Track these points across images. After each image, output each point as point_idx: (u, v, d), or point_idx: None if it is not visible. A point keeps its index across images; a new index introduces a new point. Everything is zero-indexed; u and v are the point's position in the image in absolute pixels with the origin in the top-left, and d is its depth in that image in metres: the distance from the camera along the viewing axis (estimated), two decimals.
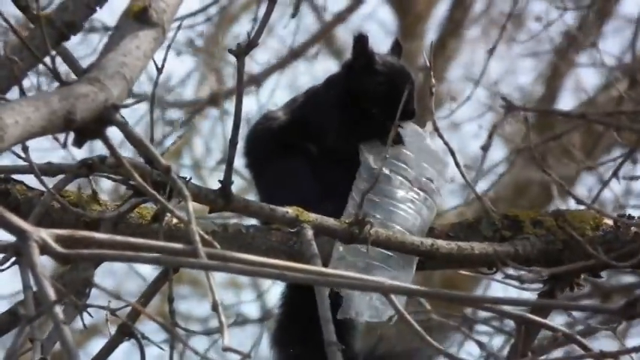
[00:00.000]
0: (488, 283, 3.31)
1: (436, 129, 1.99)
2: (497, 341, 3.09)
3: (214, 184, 1.79)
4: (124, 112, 1.31)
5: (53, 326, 1.11)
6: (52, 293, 1.09)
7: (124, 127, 1.28)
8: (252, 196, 1.96)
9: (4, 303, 3.25)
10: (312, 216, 1.83)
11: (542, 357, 1.90)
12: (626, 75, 3.49)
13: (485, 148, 2.20)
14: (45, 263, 1.17)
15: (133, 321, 1.71)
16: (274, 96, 3.85)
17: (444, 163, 1.96)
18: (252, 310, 4.14)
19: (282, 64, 4.08)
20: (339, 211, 1.92)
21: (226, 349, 1.17)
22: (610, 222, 1.92)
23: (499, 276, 1.85)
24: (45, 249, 1.12)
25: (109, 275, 4.51)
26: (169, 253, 1.19)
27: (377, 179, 1.84)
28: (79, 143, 1.27)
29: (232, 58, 1.74)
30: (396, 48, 2.04)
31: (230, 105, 3.90)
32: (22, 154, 1.62)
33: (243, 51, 1.71)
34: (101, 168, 1.71)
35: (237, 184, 2.20)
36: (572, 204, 3.84)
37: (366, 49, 1.98)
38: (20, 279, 1.19)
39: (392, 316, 1.84)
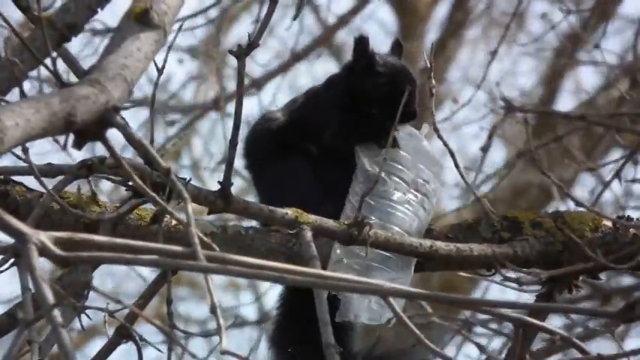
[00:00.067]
0: (487, 285, 3.31)
1: (436, 130, 1.99)
2: (495, 344, 3.09)
3: (213, 185, 1.79)
4: (124, 113, 1.31)
5: (51, 329, 1.11)
6: (50, 296, 1.09)
7: (124, 128, 1.28)
8: (250, 197, 1.96)
9: (2, 305, 3.25)
10: (312, 217, 1.83)
11: None
12: (627, 75, 3.49)
13: (485, 149, 2.20)
14: (43, 264, 1.17)
15: (131, 323, 1.71)
16: (275, 98, 3.85)
17: (440, 164, 1.96)
18: (250, 312, 4.15)
19: (284, 67, 4.08)
20: (338, 211, 1.92)
21: (224, 352, 1.17)
22: (609, 223, 1.92)
23: (498, 278, 1.85)
24: (44, 252, 1.12)
25: (108, 276, 4.51)
26: (168, 255, 1.19)
27: (376, 182, 1.85)
28: (78, 145, 1.27)
29: (233, 59, 1.74)
30: (397, 48, 2.04)
31: (230, 107, 3.90)
32: (22, 156, 1.62)
33: (243, 52, 1.71)
34: (101, 169, 1.71)
35: (236, 185, 2.20)
36: (571, 205, 3.84)
37: (366, 50, 1.98)
38: (19, 281, 1.19)
39: (390, 318, 1.84)
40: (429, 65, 2.01)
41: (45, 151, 1.90)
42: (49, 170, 1.73)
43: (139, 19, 1.40)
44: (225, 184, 1.78)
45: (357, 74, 1.98)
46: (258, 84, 3.91)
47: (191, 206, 1.26)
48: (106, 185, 3.52)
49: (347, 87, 1.99)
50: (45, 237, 1.13)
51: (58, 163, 1.75)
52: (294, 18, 2.00)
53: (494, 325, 2.86)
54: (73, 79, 1.49)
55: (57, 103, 1.22)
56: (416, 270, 1.92)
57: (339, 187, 1.94)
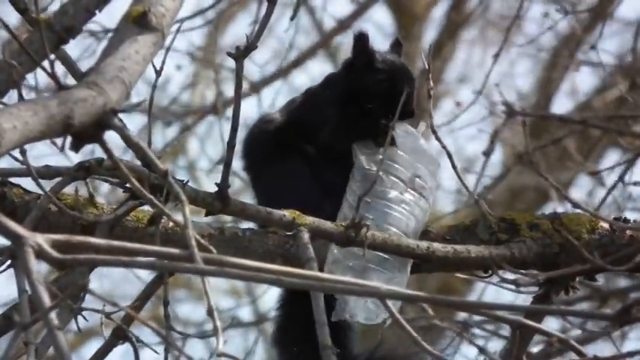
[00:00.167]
0: (484, 287, 3.32)
1: (434, 132, 1.99)
2: (494, 345, 3.10)
3: (208, 186, 1.79)
4: (122, 115, 1.31)
5: (47, 331, 1.11)
6: (46, 299, 1.09)
7: (122, 131, 1.28)
8: (246, 198, 1.95)
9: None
10: (309, 219, 1.83)
11: None
12: (626, 77, 3.49)
13: (488, 153, 2.20)
14: (40, 266, 1.17)
15: (127, 324, 1.71)
16: (274, 101, 3.85)
17: (437, 163, 1.96)
18: (246, 314, 4.14)
19: (283, 72, 4.08)
20: (337, 212, 1.92)
21: (221, 355, 1.18)
22: (606, 225, 1.93)
23: (495, 279, 1.85)
24: (41, 254, 1.12)
25: (104, 278, 4.51)
26: (166, 257, 1.19)
27: (374, 182, 1.85)
28: (76, 147, 1.27)
29: (231, 61, 1.74)
30: (397, 47, 2.04)
31: (228, 110, 3.89)
32: (20, 158, 1.62)
33: (242, 54, 1.71)
34: (98, 171, 1.70)
35: (233, 186, 2.19)
36: (567, 207, 3.84)
37: (366, 47, 1.98)
38: (14, 283, 1.19)
39: (386, 318, 1.84)
40: (427, 67, 2.02)
41: (43, 154, 1.90)
42: (47, 172, 1.73)
43: (137, 22, 1.40)
44: (223, 185, 1.78)
45: (356, 71, 1.98)
46: (257, 88, 3.90)
47: (188, 208, 1.26)
48: (104, 187, 3.52)
49: (346, 84, 1.99)
50: (42, 239, 1.13)
51: (56, 165, 1.75)
52: (292, 19, 2.00)
53: (492, 327, 2.86)
54: (71, 81, 1.49)
55: (55, 105, 1.22)
56: (413, 271, 1.92)
57: (337, 187, 1.94)
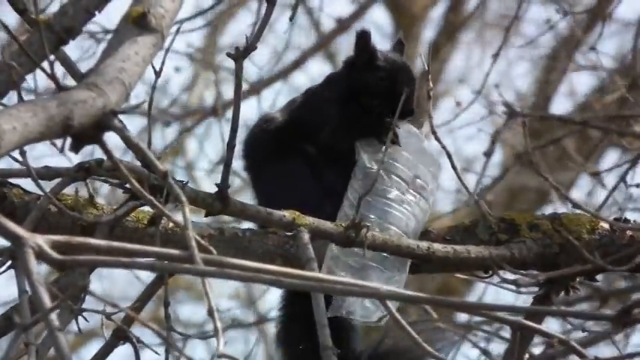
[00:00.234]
0: (485, 287, 3.31)
1: (433, 132, 1.99)
2: (494, 346, 3.10)
3: (207, 186, 1.79)
4: (122, 116, 1.31)
5: (48, 332, 1.11)
6: (47, 300, 1.09)
7: (121, 132, 1.28)
8: (243, 198, 1.95)
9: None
10: (309, 219, 1.83)
11: None
12: (627, 77, 3.49)
13: (489, 154, 2.20)
14: (40, 266, 1.17)
15: (128, 325, 1.71)
16: (274, 101, 3.85)
17: (439, 164, 1.96)
18: (246, 315, 4.13)
19: (282, 74, 4.08)
20: (337, 212, 1.92)
21: (221, 356, 1.18)
22: (606, 225, 1.93)
23: (495, 280, 1.85)
24: (41, 255, 1.12)
25: (104, 279, 4.51)
26: (166, 258, 1.19)
27: (375, 180, 1.85)
28: (76, 148, 1.27)
29: (230, 62, 1.74)
30: (399, 46, 2.05)
31: (227, 111, 3.89)
32: (20, 158, 1.62)
33: (241, 55, 1.71)
34: (98, 172, 1.70)
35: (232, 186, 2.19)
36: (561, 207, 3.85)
37: (368, 45, 1.98)
38: (14, 283, 1.19)
39: (382, 317, 1.84)
40: (426, 67, 2.02)
41: (43, 154, 1.90)
42: (47, 173, 1.73)
43: (137, 23, 1.40)
44: (223, 186, 1.78)
45: (358, 69, 1.98)
46: (256, 88, 3.90)
47: (188, 209, 1.25)
48: (104, 187, 3.51)
49: (348, 83, 1.99)
50: (42, 240, 1.13)
51: (56, 166, 1.75)
52: (291, 19, 2.00)
53: (493, 328, 2.86)
54: (71, 82, 1.49)
55: (54, 106, 1.22)
56: (413, 272, 1.92)
57: (337, 187, 1.94)
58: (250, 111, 3.67)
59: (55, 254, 1.14)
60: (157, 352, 1.69)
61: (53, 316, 1.11)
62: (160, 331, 1.20)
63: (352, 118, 1.96)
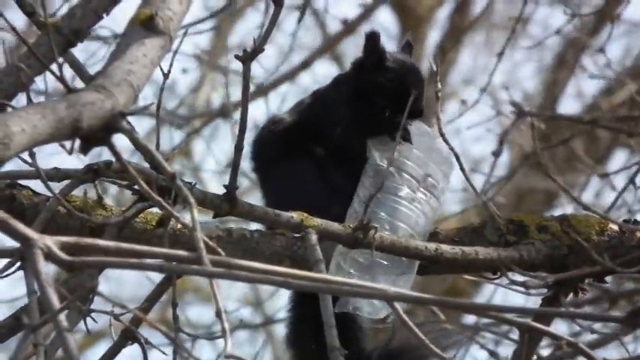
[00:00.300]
0: (494, 289, 3.30)
1: (442, 134, 1.99)
2: (503, 348, 3.09)
3: (214, 187, 1.79)
4: (130, 118, 1.31)
5: (56, 333, 1.12)
6: (55, 301, 1.10)
7: (130, 134, 1.29)
8: (250, 199, 1.95)
9: (6, 307, 3.26)
10: (317, 221, 1.83)
11: None
12: (636, 78, 3.48)
13: (497, 153, 2.19)
14: (49, 267, 1.18)
15: (136, 326, 1.71)
16: (283, 102, 3.86)
17: (451, 163, 1.96)
18: (253, 316, 4.13)
19: (289, 75, 4.08)
20: (345, 213, 1.92)
21: (229, 357, 1.18)
22: (615, 227, 1.92)
23: (504, 281, 1.85)
24: (49, 256, 1.13)
25: (112, 280, 4.52)
26: (174, 260, 1.20)
27: (386, 178, 1.85)
28: (84, 150, 1.27)
29: (238, 62, 1.74)
30: (407, 48, 2.05)
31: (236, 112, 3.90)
32: (29, 160, 1.62)
33: (249, 57, 1.72)
34: (107, 173, 1.71)
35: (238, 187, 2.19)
36: (568, 208, 3.84)
37: (377, 46, 1.98)
38: (22, 284, 1.19)
39: (389, 314, 1.84)
40: (434, 69, 2.02)
41: (53, 152, 1.90)
42: (56, 175, 1.73)
43: (145, 25, 1.40)
44: (231, 187, 1.78)
45: (366, 70, 1.98)
46: (263, 90, 3.91)
47: (196, 210, 1.26)
48: (112, 188, 3.52)
49: (356, 83, 1.99)
50: (51, 241, 1.14)
51: (65, 168, 1.75)
52: (299, 21, 2.00)
53: (502, 330, 2.86)
54: (80, 84, 1.49)
55: (63, 108, 1.23)
56: (421, 273, 1.92)
57: (345, 188, 1.94)
58: (258, 112, 3.68)
59: (63, 255, 1.14)
60: (164, 353, 1.70)
61: (62, 317, 1.12)
62: (168, 331, 1.21)
63: (363, 116, 1.96)
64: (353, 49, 4.13)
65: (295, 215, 1.83)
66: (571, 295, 1.91)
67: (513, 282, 1.81)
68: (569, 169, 3.80)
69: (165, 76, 1.72)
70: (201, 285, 4.55)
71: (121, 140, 1.32)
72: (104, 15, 1.56)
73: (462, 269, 1.91)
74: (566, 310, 1.60)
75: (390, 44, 2.04)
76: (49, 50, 1.47)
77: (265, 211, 1.84)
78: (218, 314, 1.19)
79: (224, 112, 3.95)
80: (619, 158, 4.16)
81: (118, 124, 1.28)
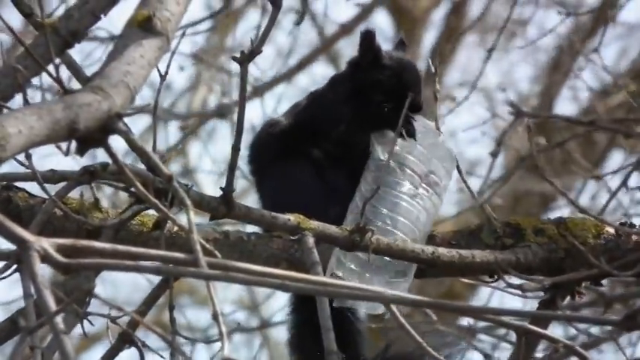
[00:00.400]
0: (491, 292, 3.31)
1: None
2: (501, 350, 3.09)
3: (209, 189, 1.79)
4: (127, 119, 1.31)
5: (53, 336, 1.11)
6: (52, 304, 1.09)
7: (126, 135, 1.28)
8: (246, 201, 1.95)
9: (2, 307, 3.25)
10: (314, 224, 1.83)
11: None
12: (634, 80, 3.48)
13: (495, 154, 2.19)
14: (45, 269, 1.17)
15: (133, 329, 1.71)
16: (279, 104, 3.86)
17: (453, 161, 1.96)
18: (249, 320, 4.13)
19: (286, 76, 4.08)
20: (343, 215, 1.91)
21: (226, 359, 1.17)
22: (611, 230, 1.92)
23: (501, 284, 1.85)
24: (46, 258, 1.12)
25: (111, 285, 4.51)
26: (170, 262, 1.19)
27: (385, 175, 1.84)
28: (81, 152, 1.27)
29: (235, 64, 1.74)
30: (401, 47, 2.05)
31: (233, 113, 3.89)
32: (25, 162, 1.62)
33: (246, 58, 1.71)
34: (103, 175, 1.70)
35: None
36: (566, 212, 3.84)
37: (373, 44, 1.98)
38: (18, 286, 1.19)
39: (386, 311, 1.83)
40: (433, 70, 2.02)
41: (49, 154, 1.89)
42: (52, 177, 1.73)
43: (142, 26, 1.40)
44: (228, 190, 1.78)
45: (363, 69, 1.98)
46: (260, 91, 3.91)
47: (193, 213, 1.25)
48: (107, 189, 3.51)
49: (353, 82, 1.98)
50: (47, 244, 1.13)
51: (61, 170, 1.75)
52: (297, 23, 1.99)
53: (499, 333, 2.86)
54: (76, 85, 1.49)
55: (60, 110, 1.22)
56: (418, 276, 1.91)
57: (344, 189, 1.94)
58: (254, 113, 3.68)
59: (60, 257, 1.14)
60: (162, 356, 1.69)
61: (58, 320, 1.11)
62: (165, 335, 1.20)
63: (364, 113, 1.96)
64: (349, 49, 4.14)
65: (292, 218, 1.82)
66: (568, 299, 1.91)
67: (510, 285, 1.81)
68: (566, 172, 3.80)
69: (163, 77, 1.71)
70: (196, 288, 4.54)
71: (116, 141, 1.31)
72: (102, 16, 1.55)
73: (459, 272, 1.91)
74: (562, 313, 1.60)
75: (385, 46, 2.04)
76: (47, 51, 1.46)
77: (262, 213, 1.83)
78: (215, 317, 1.19)
79: (221, 112, 3.94)
80: (615, 161, 4.17)
81: (115, 126, 1.27)
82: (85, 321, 1.65)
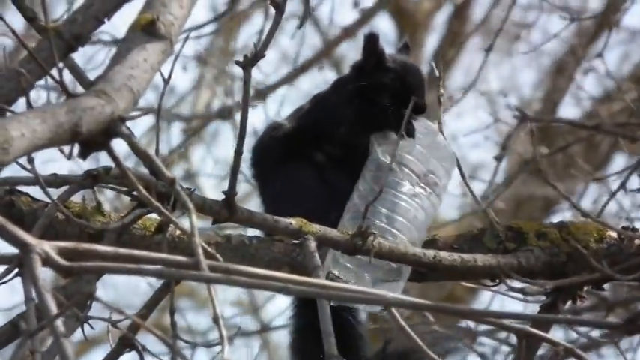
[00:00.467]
0: (492, 296, 3.31)
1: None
2: (502, 353, 3.08)
3: (210, 192, 1.79)
4: (130, 123, 1.31)
5: (53, 339, 1.11)
6: (53, 307, 1.09)
7: (129, 139, 1.29)
8: (249, 205, 1.95)
9: (3, 313, 3.25)
10: (316, 227, 1.83)
11: None
12: (636, 85, 3.48)
13: (499, 158, 2.20)
14: (47, 272, 1.17)
15: (134, 332, 1.71)
16: (282, 108, 3.86)
17: (453, 161, 1.96)
18: (249, 323, 4.13)
19: (288, 78, 4.09)
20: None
21: None
22: (614, 234, 1.92)
23: (503, 288, 1.85)
24: (47, 261, 1.12)
25: (112, 288, 4.51)
26: (172, 265, 1.19)
27: (385, 175, 1.84)
28: (84, 155, 1.27)
29: (239, 69, 1.74)
30: (405, 50, 2.05)
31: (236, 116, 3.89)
32: (28, 166, 1.62)
33: (249, 62, 1.72)
34: (106, 179, 1.70)
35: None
36: (567, 215, 3.83)
37: (376, 47, 1.98)
38: (19, 290, 1.19)
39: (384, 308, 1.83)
40: (437, 74, 2.02)
41: (51, 159, 1.90)
42: (55, 181, 1.73)
43: (146, 30, 1.40)
44: (230, 193, 1.78)
45: (366, 72, 1.98)
46: (263, 94, 3.91)
47: (195, 216, 1.25)
48: (109, 193, 3.51)
49: (357, 85, 1.99)
50: (49, 247, 1.13)
51: (64, 174, 1.75)
52: (299, 27, 2.00)
53: (501, 336, 2.85)
54: (80, 89, 1.49)
55: (63, 113, 1.23)
56: (419, 280, 1.92)
57: (346, 193, 1.94)
58: (257, 117, 3.68)
59: (62, 261, 1.14)
60: None
61: (59, 323, 1.11)
62: (166, 338, 1.20)
63: (367, 114, 1.96)
64: (352, 53, 4.14)
65: (294, 222, 1.83)
66: (569, 303, 1.91)
67: (512, 289, 1.81)
68: (568, 176, 3.80)
69: (166, 81, 1.71)
70: (196, 291, 4.54)
71: (119, 145, 1.32)
72: (105, 20, 1.56)
73: (461, 276, 1.91)
74: (563, 317, 1.60)
75: (388, 49, 2.05)
76: (50, 55, 1.47)
77: (264, 217, 1.84)
78: (216, 320, 1.19)
79: (223, 114, 3.95)
80: (618, 164, 4.17)
81: (118, 129, 1.27)
82: (85, 324, 1.65)
